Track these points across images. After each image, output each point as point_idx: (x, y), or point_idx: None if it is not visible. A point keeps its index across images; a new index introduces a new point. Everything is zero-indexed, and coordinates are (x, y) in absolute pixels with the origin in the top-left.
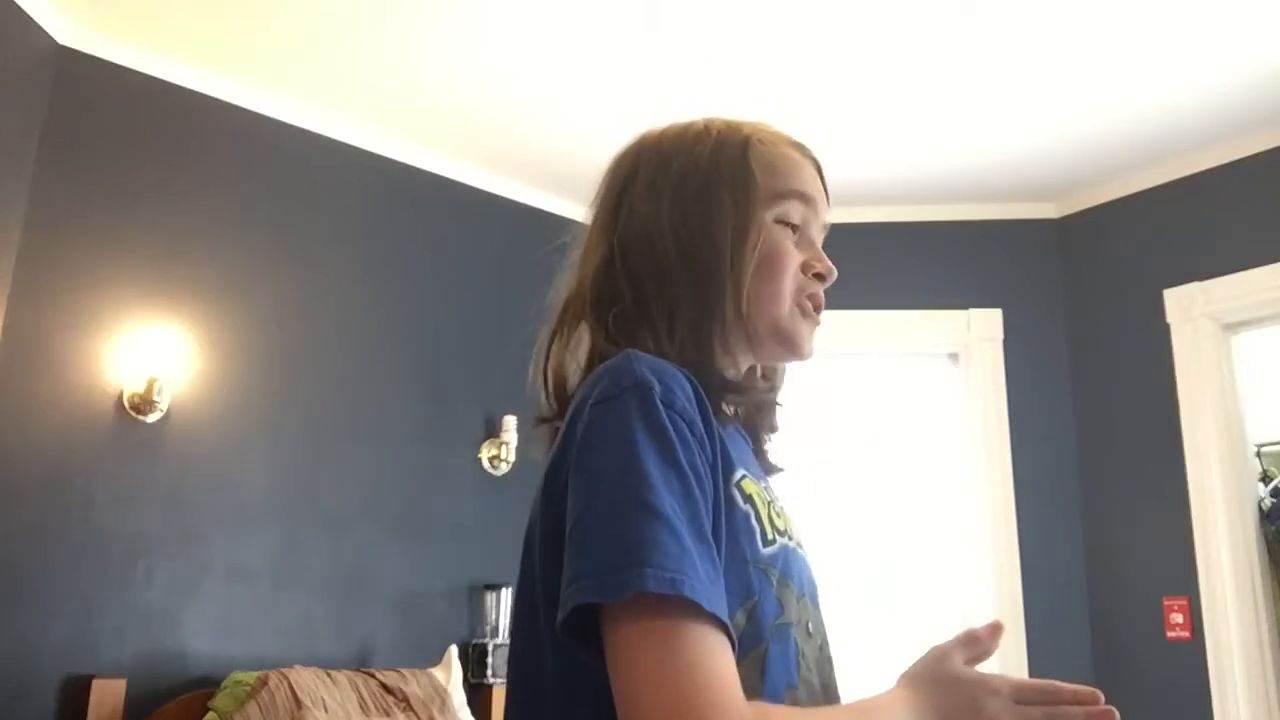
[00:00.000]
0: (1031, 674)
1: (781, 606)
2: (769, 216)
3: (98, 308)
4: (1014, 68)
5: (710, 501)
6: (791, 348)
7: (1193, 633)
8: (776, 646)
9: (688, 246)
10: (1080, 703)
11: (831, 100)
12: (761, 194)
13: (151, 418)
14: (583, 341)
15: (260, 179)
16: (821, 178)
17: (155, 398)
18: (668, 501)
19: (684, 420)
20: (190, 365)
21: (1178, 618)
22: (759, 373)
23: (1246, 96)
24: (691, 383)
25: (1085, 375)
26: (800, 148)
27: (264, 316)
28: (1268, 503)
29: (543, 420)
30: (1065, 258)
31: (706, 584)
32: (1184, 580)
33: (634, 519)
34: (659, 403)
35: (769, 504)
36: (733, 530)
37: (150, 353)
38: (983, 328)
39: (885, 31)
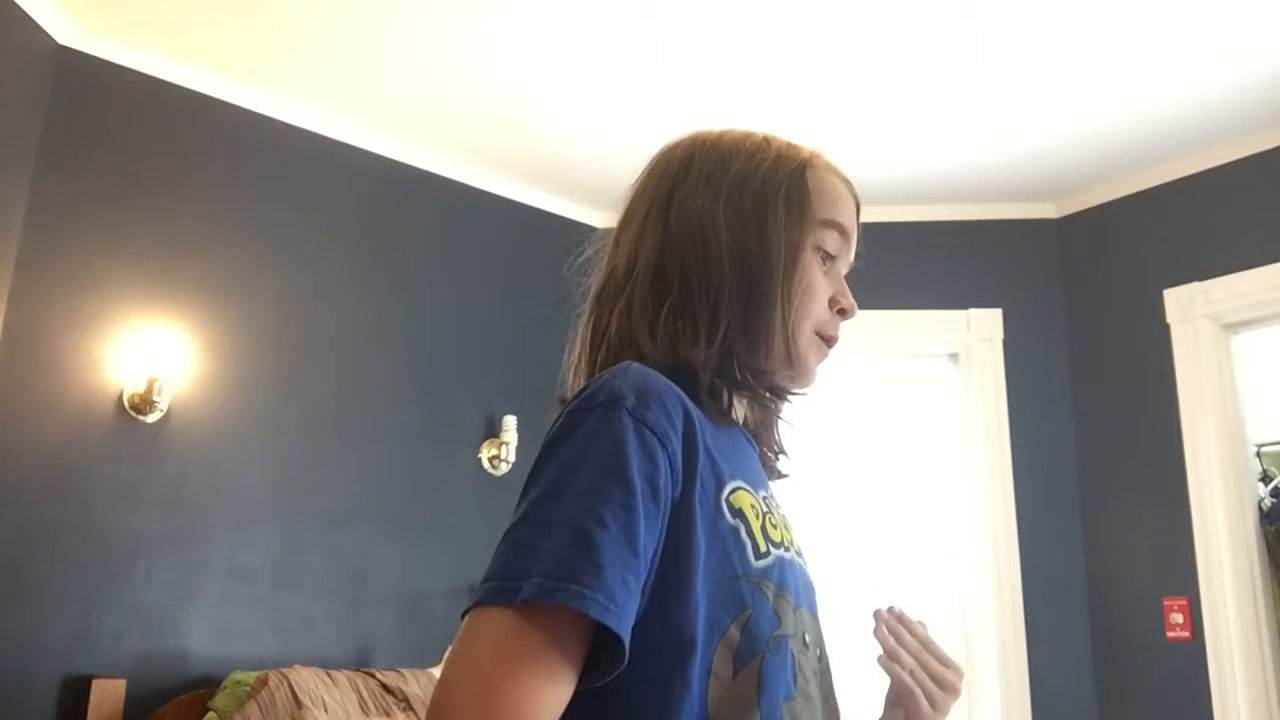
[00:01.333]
0: (1032, 674)
1: (779, 618)
2: (810, 241)
3: (98, 308)
4: (1014, 68)
5: (666, 517)
6: (803, 373)
7: (1193, 633)
8: (773, 659)
9: (743, 251)
10: None
11: (832, 100)
12: (812, 217)
13: (151, 418)
14: (613, 325)
15: (260, 179)
16: (858, 218)
17: (155, 398)
18: (591, 514)
19: (655, 434)
20: (190, 365)
21: (1178, 618)
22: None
23: (1246, 96)
24: (679, 398)
25: (1085, 375)
26: (848, 183)
27: (264, 316)
28: (1268, 503)
29: (562, 401)
30: (1065, 258)
31: (608, 592)
32: (1184, 580)
33: (548, 531)
34: (627, 417)
35: (764, 515)
36: (721, 545)
37: (150, 353)
38: (983, 328)
39: (886, 32)
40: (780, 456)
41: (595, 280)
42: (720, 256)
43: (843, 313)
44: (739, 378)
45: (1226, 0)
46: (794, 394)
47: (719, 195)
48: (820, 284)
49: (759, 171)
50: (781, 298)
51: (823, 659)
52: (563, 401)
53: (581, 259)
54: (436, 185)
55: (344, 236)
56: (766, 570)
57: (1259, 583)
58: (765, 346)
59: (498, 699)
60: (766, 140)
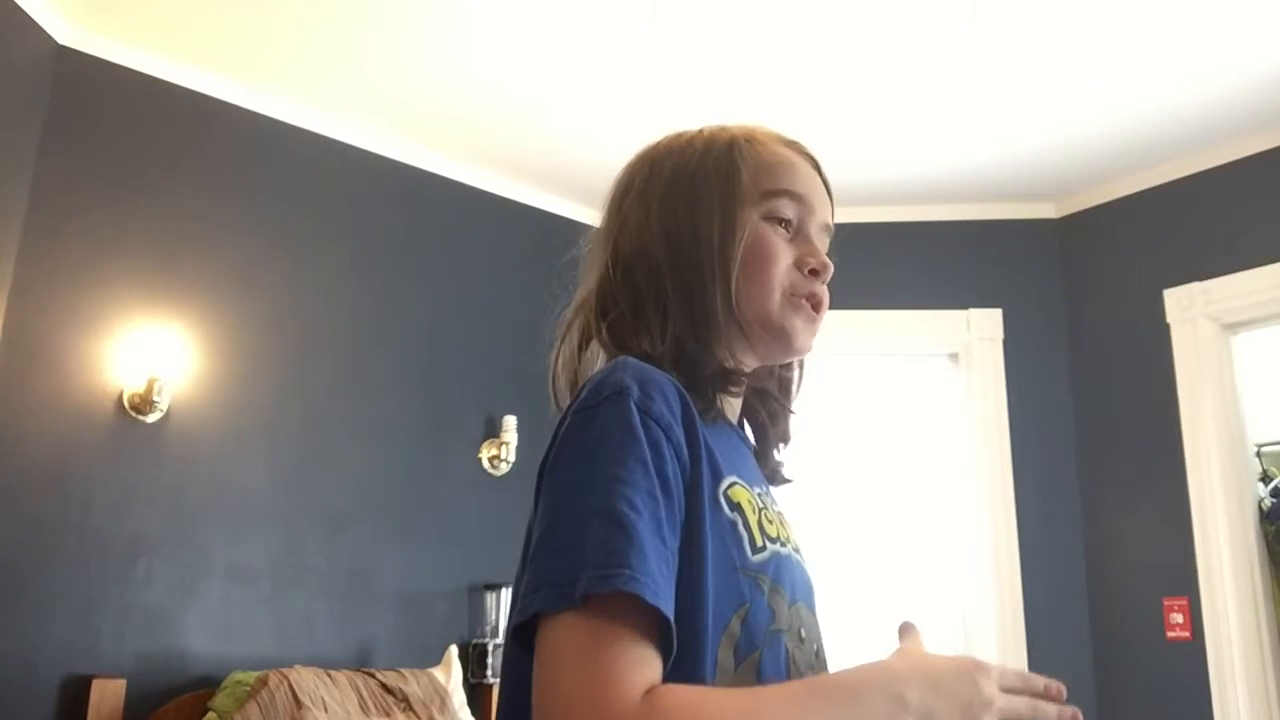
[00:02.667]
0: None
1: (773, 613)
2: (757, 214)
3: (98, 308)
4: (1014, 68)
5: (680, 507)
6: (784, 342)
7: (1193, 633)
8: (769, 653)
9: (676, 244)
10: (1050, 698)
11: (833, 100)
12: (749, 192)
13: (151, 418)
14: (590, 347)
15: (260, 179)
16: (822, 177)
17: (155, 398)
18: (624, 500)
19: (659, 425)
20: (190, 365)
21: (1178, 618)
22: (776, 379)
23: (1246, 96)
24: (678, 389)
25: (1085, 375)
26: (795, 146)
27: (264, 316)
28: (1268, 503)
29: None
30: (1065, 258)
31: (654, 577)
32: (1184, 580)
33: (586, 525)
34: (634, 408)
35: (760, 510)
36: (720, 538)
37: (150, 353)
38: (983, 328)
39: (887, 32)
40: (782, 448)
41: (566, 314)
42: (659, 258)
43: (814, 273)
44: (694, 372)
45: (1226, 0)
46: (745, 376)
47: (654, 199)
48: (777, 249)
49: (688, 165)
50: (719, 276)
51: (820, 654)
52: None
53: (560, 304)
54: (437, 185)
55: (344, 236)
56: (763, 565)
57: (1259, 583)
58: (712, 330)
59: (600, 699)
60: (698, 133)
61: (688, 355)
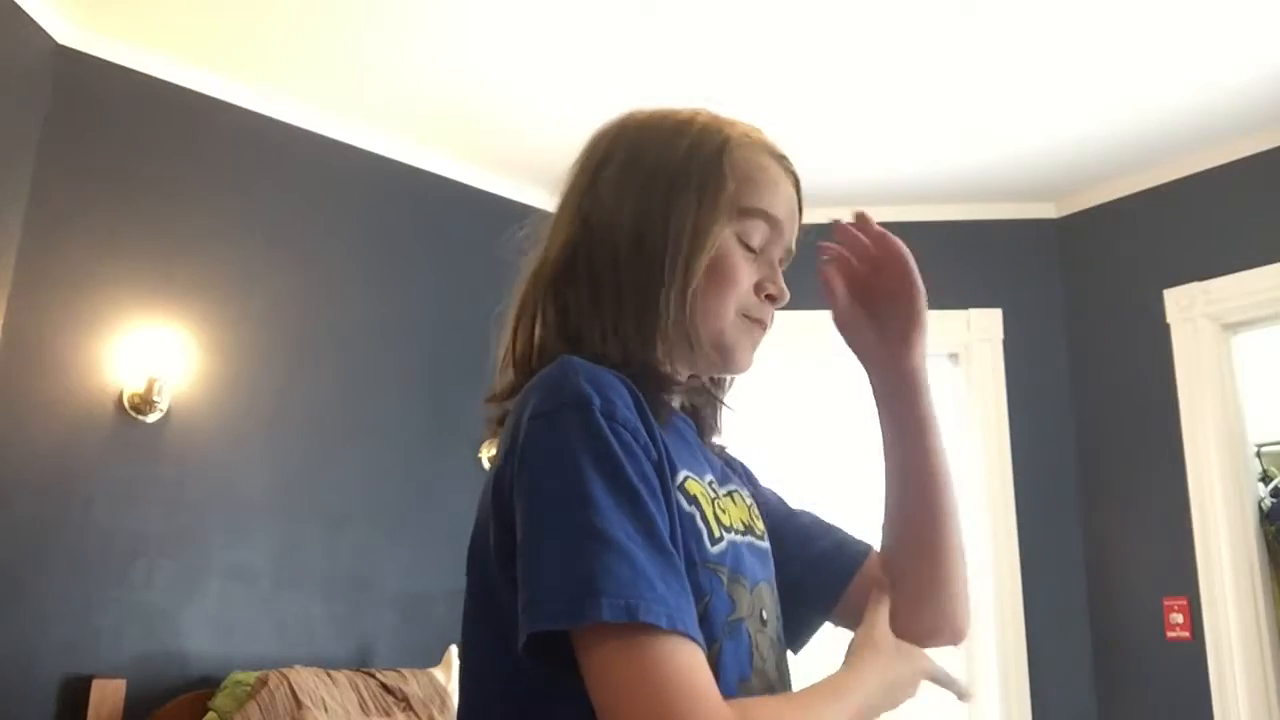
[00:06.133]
0: (1032, 676)
1: (734, 603)
2: (730, 229)
3: (98, 308)
4: (1014, 68)
5: (665, 507)
6: (728, 359)
7: (1193, 633)
8: (729, 643)
9: (645, 239)
10: None
11: (831, 99)
12: (729, 204)
13: (151, 418)
14: (535, 325)
15: (260, 179)
16: (798, 194)
17: (155, 398)
18: (615, 522)
19: (627, 430)
20: (190, 365)
21: (1178, 618)
22: (711, 379)
23: (1246, 96)
24: (629, 388)
25: (1085, 375)
26: (781, 160)
27: (264, 316)
28: (1268, 503)
29: (491, 399)
30: (1065, 258)
31: (668, 600)
32: (1184, 580)
33: (582, 547)
34: (599, 416)
35: (713, 501)
36: (680, 533)
37: (150, 353)
38: (983, 328)
39: (885, 30)
40: (713, 438)
41: (521, 280)
42: (622, 249)
43: (771, 299)
44: (636, 373)
45: (1226, 1)
46: (682, 387)
47: (628, 189)
48: (739, 268)
49: (673, 159)
50: (678, 280)
51: (779, 635)
52: (491, 399)
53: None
54: (436, 185)
55: (344, 235)
56: (721, 556)
57: (1259, 583)
58: (657, 333)
59: (670, 695)
60: (690, 121)
61: (630, 353)
